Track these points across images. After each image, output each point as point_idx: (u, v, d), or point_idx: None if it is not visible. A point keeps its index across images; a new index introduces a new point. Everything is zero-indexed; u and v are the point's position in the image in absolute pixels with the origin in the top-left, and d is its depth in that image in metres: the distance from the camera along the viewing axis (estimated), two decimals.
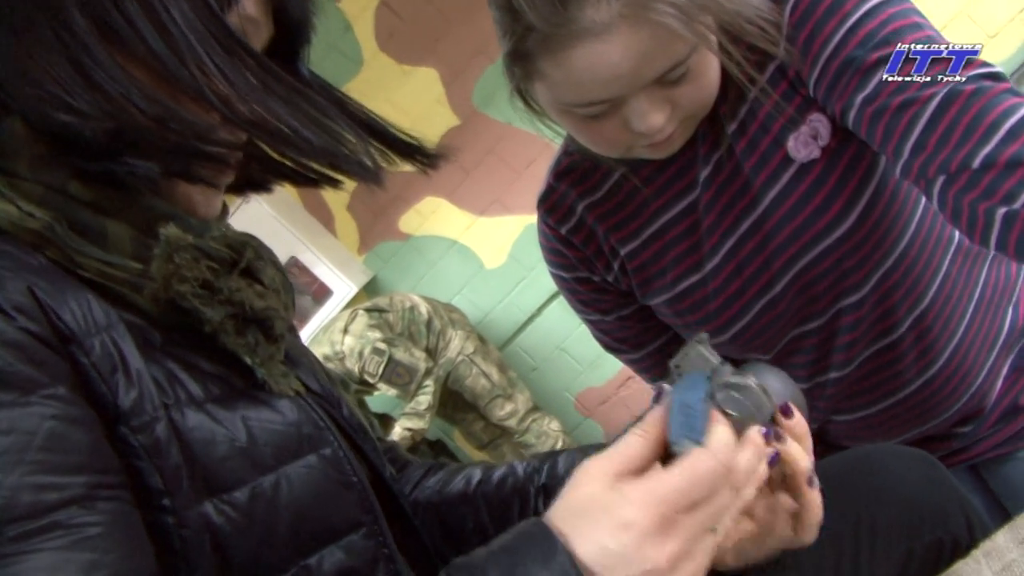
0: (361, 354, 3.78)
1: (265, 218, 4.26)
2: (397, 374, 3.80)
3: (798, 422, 0.72)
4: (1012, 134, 0.82)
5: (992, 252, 1.03)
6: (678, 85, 0.90)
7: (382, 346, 3.79)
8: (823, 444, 1.24)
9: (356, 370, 3.80)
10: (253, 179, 0.84)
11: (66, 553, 0.52)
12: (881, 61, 0.91)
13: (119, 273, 0.66)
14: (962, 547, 0.82)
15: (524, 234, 4.38)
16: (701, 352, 0.74)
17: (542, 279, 4.43)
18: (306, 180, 0.79)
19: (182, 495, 0.61)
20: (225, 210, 0.82)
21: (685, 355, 0.75)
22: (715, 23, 0.88)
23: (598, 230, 1.13)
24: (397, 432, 3.91)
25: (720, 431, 0.64)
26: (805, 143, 0.99)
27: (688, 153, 1.04)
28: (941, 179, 0.86)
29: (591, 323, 1.25)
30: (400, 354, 3.81)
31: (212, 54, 0.66)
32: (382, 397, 4.05)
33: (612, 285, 1.18)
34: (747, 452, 0.64)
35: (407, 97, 4.50)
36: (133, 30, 0.64)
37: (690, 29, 0.84)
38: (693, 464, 0.61)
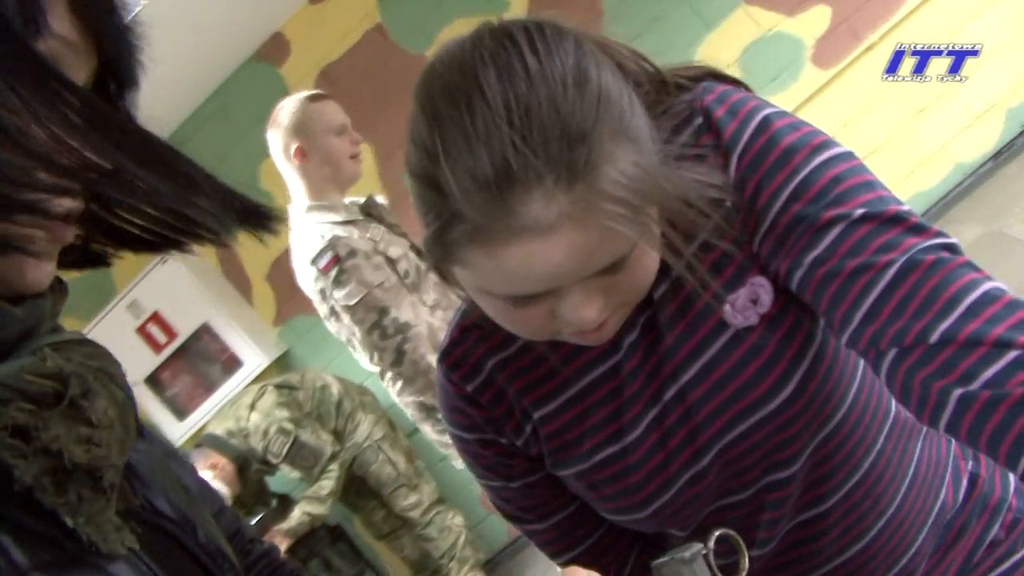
0: (266, 433, 3.67)
1: (181, 280, 4.15)
2: (302, 456, 3.69)
3: None
4: (972, 311, 0.78)
5: (938, 433, 0.99)
6: (615, 274, 0.84)
7: (289, 426, 3.68)
8: None
9: (260, 449, 3.69)
10: (90, 251, 0.72)
11: None
12: (834, 221, 0.85)
13: None
14: None
15: None
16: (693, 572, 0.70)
17: None
18: (148, 245, 0.69)
19: None
20: (56, 310, 0.69)
21: (674, 566, 0.71)
22: (657, 212, 0.84)
23: (509, 390, 1.05)
24: (296, 516, 3.78)
25: None
26: (743, 307, 0.93)
27: None
28: (893, 352, 0.81)
29: (492, 490, 1.14)
30: (307, 436, 3.71)
31: (19, 87, 0.55)
32: (283, 476, 3.93)
33: (520, 449, 1.08)
34: None
35: None
36: None
37: (637, 226, 0.78)
38: None
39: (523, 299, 0.84)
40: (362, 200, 2.66)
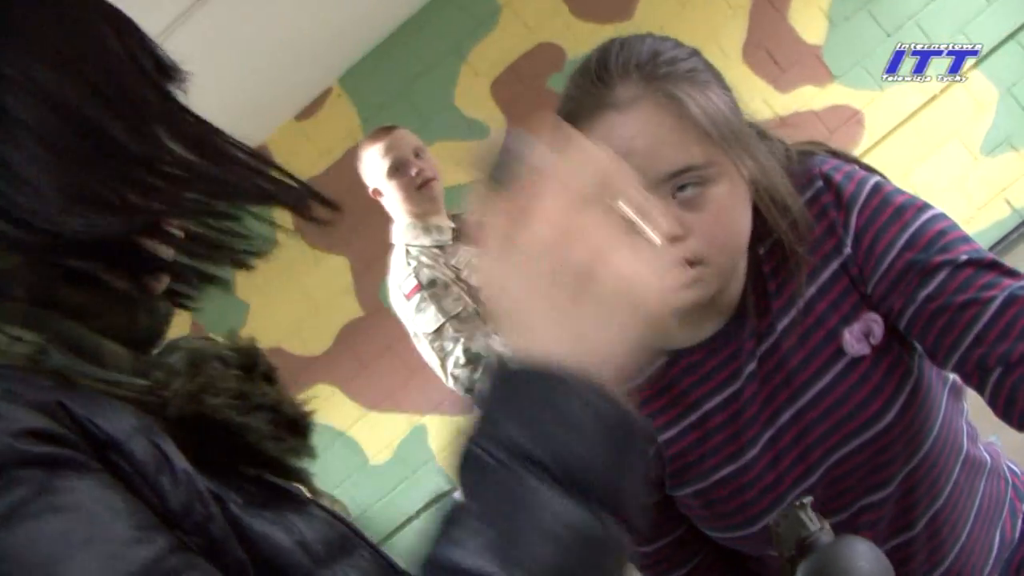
0: None
1: None
2: None
3: None
4: None
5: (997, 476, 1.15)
6: (693, 210, 0.97)
7: None
8: None
9: None
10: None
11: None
12: (942, 265, 1.01)
13: (123, 392, 0.60)
14: None
15: (412, 434, 4.34)
16: (799, 516, 0.86)
17: (424, 481, 4.36)
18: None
19: None
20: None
21: (785, 517, 0.87)
22: (753, 175, 1.01)
23: None
24: None
25: None
26: (858, 339, 1.06)
27: (734, 346, 1.10)
28: (999, 371, 0.96)
29: None
30: None
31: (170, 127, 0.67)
32: None
33: None
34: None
35: (316, 282, 4.54)
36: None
37: (709, 128, 0.95)
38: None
39: None
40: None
